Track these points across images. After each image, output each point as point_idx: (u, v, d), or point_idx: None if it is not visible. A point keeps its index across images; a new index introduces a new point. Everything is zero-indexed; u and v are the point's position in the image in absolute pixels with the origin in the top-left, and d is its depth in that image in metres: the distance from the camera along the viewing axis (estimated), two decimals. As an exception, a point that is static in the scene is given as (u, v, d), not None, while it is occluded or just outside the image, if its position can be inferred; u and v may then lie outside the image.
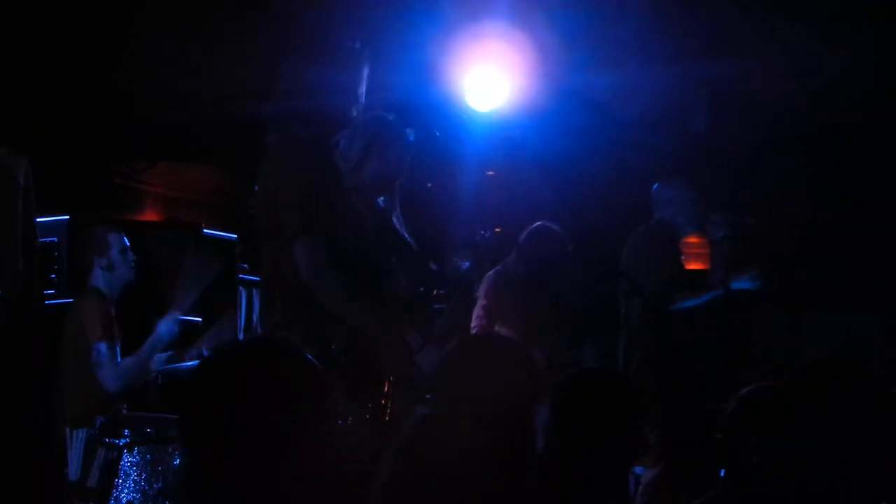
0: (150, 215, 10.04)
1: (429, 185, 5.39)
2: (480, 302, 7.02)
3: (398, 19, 7.03)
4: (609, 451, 3.55)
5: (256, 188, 4.72)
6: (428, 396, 3.42)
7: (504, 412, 3.19)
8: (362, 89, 4.76)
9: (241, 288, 8.67)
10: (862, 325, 8.80)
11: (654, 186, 7.10)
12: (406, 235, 5.10)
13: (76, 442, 6.07)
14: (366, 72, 4.76)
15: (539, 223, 7.21)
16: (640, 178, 7.58)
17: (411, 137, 5.15)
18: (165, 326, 6.54)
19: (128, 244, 6.71)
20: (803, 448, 3.55)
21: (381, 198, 5.07)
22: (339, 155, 4.94)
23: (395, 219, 5.10)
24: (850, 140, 8.71)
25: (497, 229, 6.73)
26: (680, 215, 6.94)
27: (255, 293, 8.70)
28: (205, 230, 8.62)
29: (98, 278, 6.56)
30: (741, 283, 6.68)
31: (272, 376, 2.55)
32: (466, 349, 3.50)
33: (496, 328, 6.88)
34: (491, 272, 7.15)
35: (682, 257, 6.85)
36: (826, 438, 3.55)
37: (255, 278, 8.51)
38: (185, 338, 6.79)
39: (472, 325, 6.96)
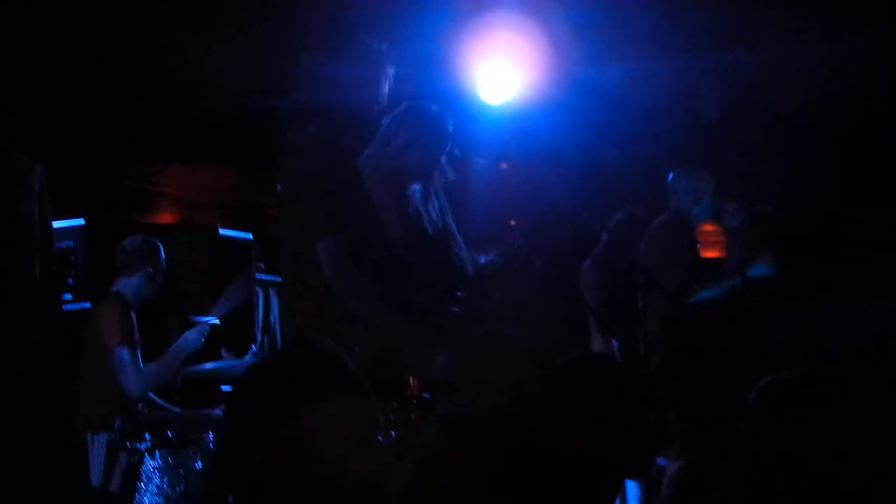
0: (165, 217, 10.04)
1: (442, 181, 5.38)
2: (593, 293, 7.07)
3: (409, 12, 7.02)
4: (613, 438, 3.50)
5: (279, 188, 4.71)
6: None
7: (522, 408, 3.18)
8: (385, 89, 4.74)
9: (257, 288, 8.67)
10: (883, 314, 8.76)
11: (670, 176, 7.08)
12: (447, 222, 5.11)
13: (97, 447, 6.08)
14: (390, 71, 4.74)
15: (625, 212, 7.24)
16: (654, 170, 7.56)
17: (451, 128, 5.19)
18: (193, 338, 6.55)
19: (150, 244, 6.71)
20: (826, 440, 3.53)
21: (418, 185, 5.08)
22: (379, 140, 4.96)
23: (431, 207, 5.10)
24: (865, 130, 8.69)
25: (512, 223, 6.69)
26: (695, 205, 6.93)
27: (272, 293, 8.70)
28: (220, 231, 8.62)
29: (124, 285, 6.55)
30: (758, 270, 6.66)
31: (317, 387, 2.54)
32: (481, 347, 3.48)
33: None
34: (589, 265, 7.19)
35: (698, 246, 6.82)
36: (849, 431, 3.52)
37: (271, 278, 8.51)
38: (204, 339, 6.79)
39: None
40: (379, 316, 4.48)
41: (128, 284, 6.54)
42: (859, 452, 3.49)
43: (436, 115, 5.18)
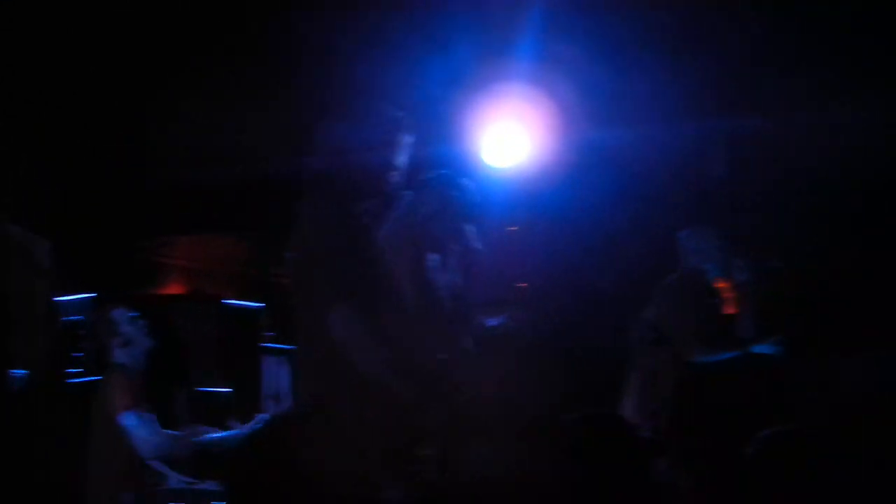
0: (172, 289, 10.03)
1: (452, 245, 5.38)
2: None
3: (420, 77, 7.06)
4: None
5: (288, 256, 4.69)
6: None
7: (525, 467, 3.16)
8: (402, 157, 4.73)
9: (267, 357, 8.66)
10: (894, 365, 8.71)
11: (680, 235, 7.08)
12: (458, 292, 5.11)
13: (106, 519, 6.05)
14: (407, 140, 4.73)
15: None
16: (662, 231, 7.56)
17: (478, 199, 5.22)
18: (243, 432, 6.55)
19: (135, 314, 6.72)
20: (824, 493, 3.49)
21: (437, 256, 5.09)
22: (404, 208, 4.97)
23: (447, 277, 5.11)
24: (867, 189, 8.70)
25: (521, 285, 6.69)
26: (706, 262, 6.92)
27: (282, 362, 8.68)
28: (225, 301, 8.62)
29: (119, 355, 6.57)
30: (762, 348, 6.65)
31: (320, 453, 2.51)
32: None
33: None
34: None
35: (710, 303, 6.80)
36: (846, 480, 3.49)
37: (281, 346, 8.49)
38: (211, 408, 6.77)
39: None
40: (391, 382, 4.45)
41: (119, 354, 6.57)
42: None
43: (464, 186, 5.21)
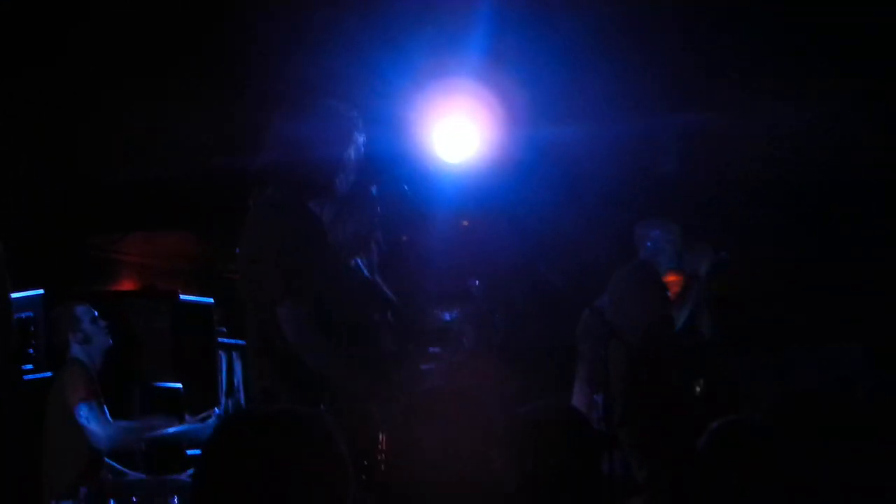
0: (126, 285, 10.00)
1: (404, 238, 5.42)
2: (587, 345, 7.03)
3: (370, 73, 7.07)
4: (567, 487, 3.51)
5: (238, 252, 4.70)
6: None
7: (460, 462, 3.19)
8: (352, 155, 4.75)
9: (220, 352, 8.65)
10: (846, 358, 8.83)
11: (635, 227, 7.14)
12: (389, 293, 5.12)
13: (62, 513, 6.05)
14: (358, 138, 4.75)
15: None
16: (613, 228, 7.62)
17: (374, 192, 5.22)
18: (200, 429, 6.54)
19: (96, 313, 6.73)
20: (774, 481, 3.54)
21: (359, 258, 5.11)
22: (352, 208, 5.00)
23: (376, 277, 5.14)
24: (817, 184, 8.80)
25: (476, 281, 6.71)
26: (660, 254, 6.98)
27: (235, 356, 8.68)
28: (181, 296, 8.60)
29: (77, 350, 6.58)
30: (714, 340, 6.72)
31: (291, 447, 2.51)
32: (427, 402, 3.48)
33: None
34: (587, 314, 7.15)
35: (662, 295, 6.86)
36: (798, 471, 3.54)
37: (234, 341, 8.49)
38: (165, 403, 6.78)
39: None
40: (342, 376, 4.48)
41: (77, 351, 6.58)
42: (807, 494, 3.51)
43: (357, 185, 5.21)
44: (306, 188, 4.67)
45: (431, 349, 5.71)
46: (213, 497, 2.49)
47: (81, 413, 6.29)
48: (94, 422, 6.29)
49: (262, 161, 4.70)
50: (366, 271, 5.17)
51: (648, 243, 7.03)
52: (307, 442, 2.52)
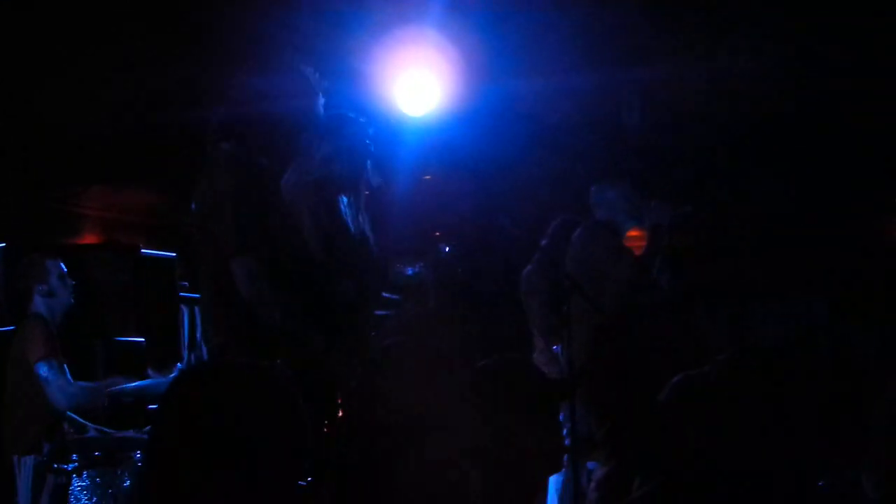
0: (88, 238, 9.96)
1: (365, 192, 5.41)
2: (535, 299, 7.03)
3: (326, 23, 7.03)
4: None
5: (193, 206, 4.69)
6: None
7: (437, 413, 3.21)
8: (312, 112, 4.73)
9: (182, 306, 8.63)
10: (809, 311, 8.88)
11: (592, 189, 7.15)
12: (369, 234, 5.12)
13: (24, 469, 6.05)
14: (317, 97, 4.74)
15: (561, 217, 7.23)
16: (573, 180, 7.64)
17: (372, 136, 5.22)
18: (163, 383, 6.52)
19: (66, 270, 6.70)
20: (732, 431, 3.58)
21: (346, 197, 5.10)
22: (303, 152, 4.97)
23: (360, 217, 5.13)
24: (783, 133, 8.83)
25: (436, 233, 6.73)
26: (618, 213, 7.00)
27: (197, 311, 8.67)
28: (143, 250, 8.58)
29: (39, 304, 6.55)
30: (674, 295, 6.77)
31: (249, 399, 2.53)
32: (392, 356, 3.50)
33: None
34: (529, 270, 7.14)
35: (622, 252, 6.89)
36: (755, 422, 3.58)
37: (195, 296, 8.47)
38: (128, 358, 6.77)
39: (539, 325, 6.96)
40: (297, 330, 4.49)
41: (39, 304, 6.55)
42: (765, 442, 3.55)
43: (358, 124, 5.20)
44: (264, 144, 4.66)
45: (389, 295, 5.72)
46: (169, 449, 2.51)
47: (41, 372, 6.27)
48: (54, 381, 6.27)
49: (220, 115, 4.69)
50: (349, 212, 5.15)
51: (605, 204, 7.05)
52: (263, 394, 2.54)
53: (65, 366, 6.38)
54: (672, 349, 6.63)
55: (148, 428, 6.35)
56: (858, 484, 3.93)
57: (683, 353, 6.69)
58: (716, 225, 8.00)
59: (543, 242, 7.10)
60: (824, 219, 8.89)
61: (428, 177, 8.11)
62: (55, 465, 5.73)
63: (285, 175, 4.96)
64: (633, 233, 7.14)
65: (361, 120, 5.22)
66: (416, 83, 7.58)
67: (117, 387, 6.56)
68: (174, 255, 8.71)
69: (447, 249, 5.81)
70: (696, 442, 3.62)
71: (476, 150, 8.27)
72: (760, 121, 8.72)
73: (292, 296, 4.48)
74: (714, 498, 3.58)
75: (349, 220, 5.12)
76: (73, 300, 6.69)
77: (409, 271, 5.49)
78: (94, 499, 5.59)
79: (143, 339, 7.83)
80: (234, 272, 4.42)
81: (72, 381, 6.36)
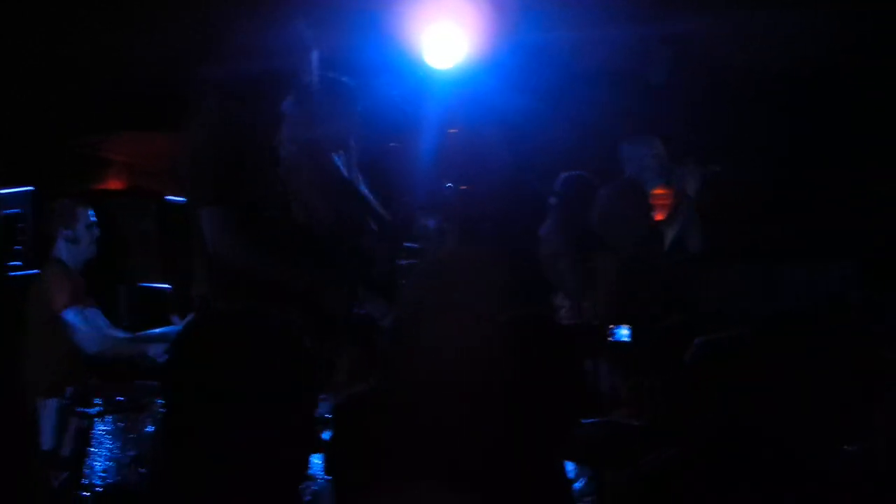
0: (114, 185, 9.99)
1: (392, 145, 5.41)
2: (554, 258, 7.03)
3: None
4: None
5: (179, 155, 4.72)
6: None
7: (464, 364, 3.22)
8: (305, 74, 4.73)
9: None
10: (839, 273, 8.83)
11: (621, 145, 7.14)
12: (366, 192, 5.14)
13: (48, 412, 6.10)
14: (312, 56, 4.73)
15: (568, 174, 7.19)
16: (603, 136, 7.61)
17: (359, 100, 5.23)
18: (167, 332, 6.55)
19: (94, 219, 6.73)
20: (759, 396, 3.57)
21: (339, 157, 5.11)
22: (291, 111, 4.96)
23: (354, 174, 5.15)
24: (810, 91, 8.75)
25: (463, 187, 6.71)
26: (647, 171, 6.99)
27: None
28: (168, 197, 8.59)
29: (62, 250, 6.59)
30: (701, 255, 6.76)
31: (259, 345, 2.56)
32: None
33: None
34: (546, 229, 7.12)
35: (651, 211, 6.87)
36: (779, 386, 3.57)
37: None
38: (152, 305, 6.79)
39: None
40: (278, 272, 4.50)
41: (62, 249, 6.58)
42: (791, 409, 3.54)
43: (345, 87, 5.21)
44: (247, 101, 4.66)
45: (409, 244, 5.73)
46: (181, 392, 2.54)
47: (69, 318, 6.31)
48: (82, 327, 6.31)
49: (217, 68, 4.70)
50: (343, 169, 5.17)
51: (635, 161, 7.03)
52: (271, 337, 2.58)
53: (98, 311, 6.42)
54: (696, 310, 6.64)
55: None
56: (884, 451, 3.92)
57: (708, 314, 6.70)
58: (745, 185, 7.97)
59: (554, 201, 7.08)
60: (856, 178, 8.81)
61: (454, 130, 8.08)
62: (78, 409, 5.78)
63: (284, 130, 4.97)
64: (658, 191, 7.12)
65: (348, 84, 5.21)
66: (443, 35, 7.54)
67: (143, 333, 6.60)
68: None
69: (450, 185, 5.80)
70: (722, 405, 3.61)
71: (503, 104, 8.23)
72: (795, 75, 8.64)
73: (263, 250, 4.48)
74: (737, 461, 3.58)
75: (345, 179, 5.15)
76: (95, 252, 6.72)
77: (431, 224, 5.48)
78: (117, 443, 5.64)
79: (168, 286, 7.85)
80: (202, 221, 4.45)
81: (105, 326, 6.41)
